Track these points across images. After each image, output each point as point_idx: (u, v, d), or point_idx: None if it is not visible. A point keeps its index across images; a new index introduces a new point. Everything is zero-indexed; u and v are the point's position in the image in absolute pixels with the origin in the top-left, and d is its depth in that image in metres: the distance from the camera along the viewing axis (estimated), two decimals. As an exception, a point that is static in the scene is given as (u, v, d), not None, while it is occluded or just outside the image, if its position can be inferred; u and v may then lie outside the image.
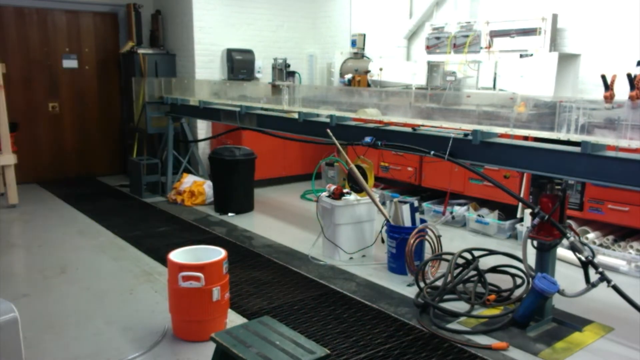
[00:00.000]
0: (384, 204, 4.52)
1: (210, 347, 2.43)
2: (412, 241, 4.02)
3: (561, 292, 3.19)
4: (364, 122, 4.39)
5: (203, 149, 7.56)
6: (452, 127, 3.68)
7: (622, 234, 4.59)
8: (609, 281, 2.98)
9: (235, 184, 5.95)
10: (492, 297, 3.64)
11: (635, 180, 2.74)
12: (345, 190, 4.60)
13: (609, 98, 3.17)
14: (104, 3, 7.87)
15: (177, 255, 3.20)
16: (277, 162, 7.29)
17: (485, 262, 3.99)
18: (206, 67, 7.56)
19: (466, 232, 5.38)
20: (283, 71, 7.58)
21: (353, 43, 7.36)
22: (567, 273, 4.18)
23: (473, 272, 3.84)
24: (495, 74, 5.51)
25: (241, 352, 2.24)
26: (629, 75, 3.18)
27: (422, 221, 4.26)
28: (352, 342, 3.14)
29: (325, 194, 4.63)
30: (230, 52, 7.54)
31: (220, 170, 5.93)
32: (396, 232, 4.16)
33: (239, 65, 7.57)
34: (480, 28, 5.64)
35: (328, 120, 4.46)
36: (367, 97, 4.62)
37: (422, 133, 3.80)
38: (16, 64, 7.36)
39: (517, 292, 3.74)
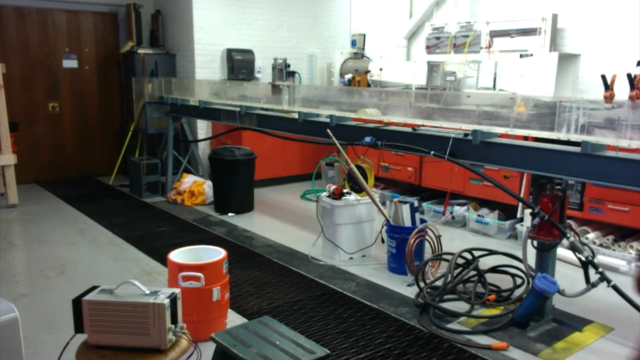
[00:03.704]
0: (384, 204, 4.52)
1: (210, 347, 2.43)
2: (412, 241, 4.02)
3: (561, 292, 3.19)
4: (364, 122, 4.39)
5: (203, 149, 7.56)
6: (452, 127, 3.68)
7: (622, 234, 4.58)
8: (609, 281, 2.98)
9: (235, 184, 5.95)
10: (492, 297, 3.64)
11: (635, 180, 2.74)
12: (345, 190, 4.60)
13: (609, 98, 3.18)
14: (104, 3, 7.87)
15: (177, 255, 3.20)
16: (277, 162, 7.29)
17: (485, 262, 3.99)
18: (206, 67, 7.56)
19: (466, 232, 5.38)
20: (283, 71, 7.58)
21: (353, 43, 7.36)
22: (567, 273, 4.18)
23: (473, 272, 3.84)
24: (495, 74, 5.51)
25: (241, 352, 2.24)
26: (629, 75, 3.18)
27: (422, 221, 4.26)
28: (352, 342, 3.14)
29: (325, 194, 4.63)
30: (230, 52, 7.54)
31: (220, 170, 5.93)
32: (396, 232, 4.16)
33: (239, 65, 7.57)
34: (480, 28, 5.64)
35: (328, 120, 4.46)
36: (367, 97, 4.62)
37: (422, 133, 3.80)
38: (16, 64, 7.36)
39: (517, 292, 3.74)
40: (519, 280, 3.87)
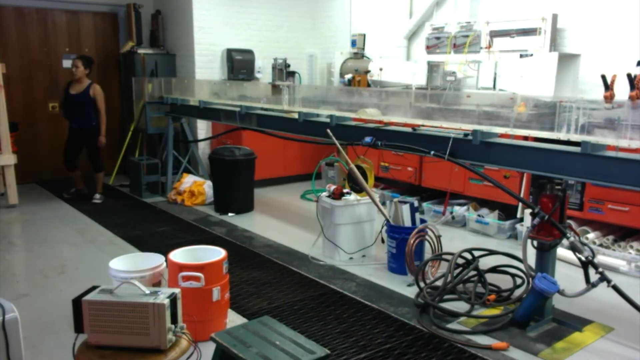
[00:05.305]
0: (384, 204, 4.51)
1: (210, 347, 2.43)
2: (412, 241, 4.02)
3: (561, 292, 3.19)
4: (364, 122, 4.39)
5: (203, 149, 7.56)
6: (452, 127, 3.68)
7: (622, 234, 4.59)
8: (609, 281, 2.98)
9: (235, 184, 5.95)
10: (492, 297, 3.64)
11: (635, 180, 2.74)
12: (345, 190, 4.60)
13: (609, 98, 3.18)
14: (104, 3, 7.87)
15: (177, 255, 3.20)
16: (277, 162, 7.29)
17: (485, 262, 3.99)
18: (206, 67, 7.56)
19: (466, 232, 5.38)
20: (283, 71, 7.57)
21: (353, 43, 7.36)
22: (567, 273, 4.18)
23: (473, 272, 3.84)
24: (495, 74, 5.51)
25: (241, 352, 2.24)
26: (629, 75, 3.18)
27: (422, 221, 4.26)
28: (352, 342, 3.14)
29: (325, 194, 4.63)
30: (230, 52, 7.54)
31: (220, 170, 5.93)
32: (396, 232, 4.16)
33: (239, 65, 7.57)
34: (480, 28, 5.64)
35: (328, 120, 4.46)
36: (367, 97, 4.62)
37: (422, 133, 3.80)
38: (16, 64, 7.36)
39: (517, 292, 3.74)
40: (519, 280, 3.87)
